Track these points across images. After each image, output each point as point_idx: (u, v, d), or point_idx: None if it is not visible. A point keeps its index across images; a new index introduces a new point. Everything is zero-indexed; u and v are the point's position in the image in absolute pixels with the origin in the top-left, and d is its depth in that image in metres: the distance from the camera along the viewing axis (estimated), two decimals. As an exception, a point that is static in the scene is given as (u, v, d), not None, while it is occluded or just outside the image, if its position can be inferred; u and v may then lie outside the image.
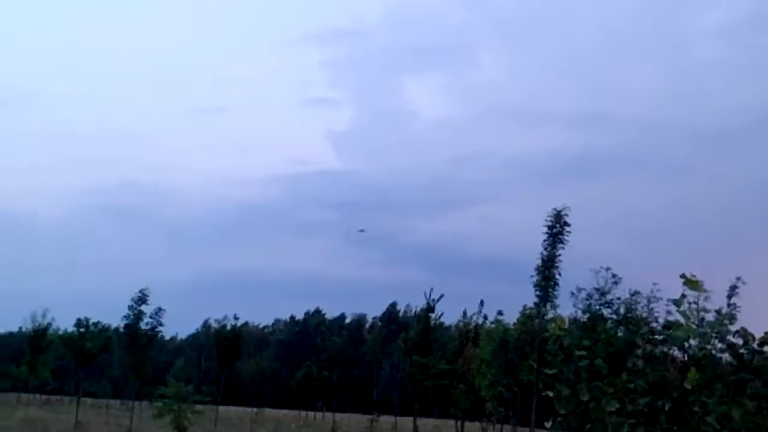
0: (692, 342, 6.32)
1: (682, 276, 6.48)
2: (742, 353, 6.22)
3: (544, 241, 31.32)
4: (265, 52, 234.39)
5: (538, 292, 31.58)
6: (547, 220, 31.32)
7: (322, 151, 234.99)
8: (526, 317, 37.58)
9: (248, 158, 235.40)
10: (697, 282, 6.43)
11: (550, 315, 32.51)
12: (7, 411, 53.84)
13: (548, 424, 6.39)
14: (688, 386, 6.13)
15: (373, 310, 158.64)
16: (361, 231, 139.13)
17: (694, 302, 6.41)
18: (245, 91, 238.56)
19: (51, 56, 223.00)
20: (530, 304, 34.99)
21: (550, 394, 6.35)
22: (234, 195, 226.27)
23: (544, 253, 31.25)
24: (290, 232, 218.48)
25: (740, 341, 6.26)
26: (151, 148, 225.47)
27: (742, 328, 6.22)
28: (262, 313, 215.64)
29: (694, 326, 6.32)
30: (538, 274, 31.23)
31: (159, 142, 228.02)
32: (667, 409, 6.32)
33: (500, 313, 42.81)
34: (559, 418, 6.43)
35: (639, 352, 6.78)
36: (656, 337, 6.68)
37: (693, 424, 6.15)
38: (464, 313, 69.48)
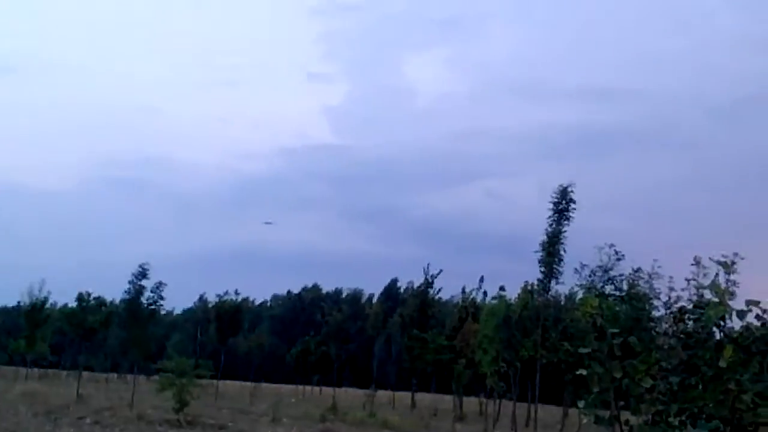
0: (728, 321, 6.30)
1: (709, 259, 6.46)
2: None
3: (549, 217, 31.31)
4: (266, 26, 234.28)
5: (542, 269, 31.60)
6: (552, 197, 31.29)
7: (319, 126, 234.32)
8: (527, 293, 37.66)
9: (253, 132, 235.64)
10: (728, 264, 6.43)
11: (557, 291, 32.66)
12: (6, 385, 53.93)
13: (581, 403, 6.38)
14: (723, 364, 6.12)
15: (371, 286, 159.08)
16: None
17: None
18: (249, 65, 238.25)
19: (60, 24, 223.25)
20: (532, 281, 35.08)
21: (584, 372, 6.34)
22: (234, 168, 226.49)
23: (549, 229, 31.24)
24: (288, 206, 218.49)
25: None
26: (158, 120, 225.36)
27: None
28: (257, 287, 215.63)
29: (729, 305, 6.30)
30: (542, 250, 31.23)
31: (165, 115, 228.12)
32: (700, 387, 6.31)
33: (502, 288, 42.73)
34: (592, 396, 6.42)
35: (670, 330, 6.77)
36: (688, 315, 6.65)
37: (728, 402, 6.14)
38: (463, 289, 69.76)
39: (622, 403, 6.48)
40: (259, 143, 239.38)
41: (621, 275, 31.75)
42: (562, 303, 50.72)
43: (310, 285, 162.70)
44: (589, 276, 31.69)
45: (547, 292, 33.26)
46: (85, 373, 53.71)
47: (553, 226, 31.28)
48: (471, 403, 59.40)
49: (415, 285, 72.41)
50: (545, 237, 31.34)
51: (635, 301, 29.75)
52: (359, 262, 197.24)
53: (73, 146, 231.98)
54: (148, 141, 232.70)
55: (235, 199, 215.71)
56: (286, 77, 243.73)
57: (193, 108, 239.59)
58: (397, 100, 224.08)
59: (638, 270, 32.29)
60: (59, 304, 67.43)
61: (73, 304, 52.04)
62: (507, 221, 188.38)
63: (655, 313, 31.03)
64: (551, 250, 31.11)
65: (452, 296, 76.46)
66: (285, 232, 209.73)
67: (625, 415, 6.52)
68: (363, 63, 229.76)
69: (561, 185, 31.50)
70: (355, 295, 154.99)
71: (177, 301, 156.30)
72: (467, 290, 68.56)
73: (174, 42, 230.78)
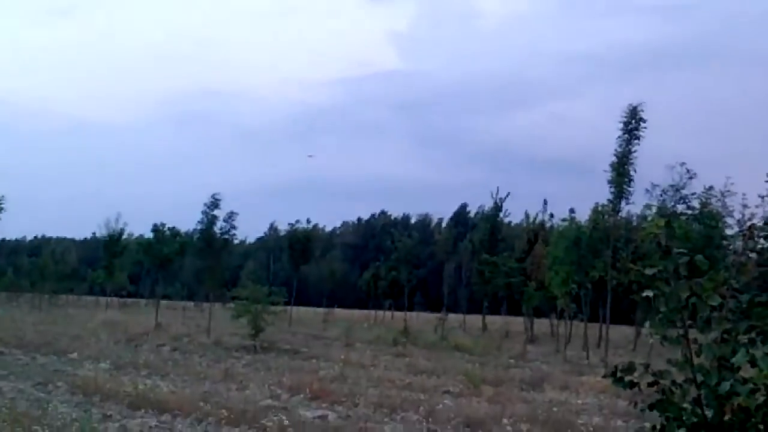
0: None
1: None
2: None
3: (619, 137, 30.64)
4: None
5: (612, 189, 31.07)
6: (622, 116, 30.57)
7: (385, 52, 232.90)
8: (598, 214, 37.31)
9: (315, 62, 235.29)
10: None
11: (628, 212, 32.29)
12: (88, 314, 55.73)
13: (648, 323, 6.37)
14: (793, 282, 6.04)
15: (439, 211, 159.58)
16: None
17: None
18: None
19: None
20: (603, 202, 34.65)
21: (650, 293, 6.31)
22: (302, 98, 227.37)
23: (619, 149, 30.61)
24: (356, 134, 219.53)
25: None
26: (220, 52, 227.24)
27: None
28: (327, 215, 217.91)
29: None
30: (612, 170, 30.66)
31: (227, 46, 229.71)
32: (771, 304, 6.22)
33: (572, 210, 42.36)
34: (660, 316, 6.39)
35: (739, 248, 6.69)
36: (758, 232, 6.56)
37: (798, 319, 6.06)
38: (526, 213, 69.80)
39: (690, 322, 6.47)
40: (321, 73, 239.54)
41: (693, 194, 31.23)
42: (634, 223, 50.26)
43: (378, 212, 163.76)
44: (661, 195, 31.29)
45: (618, 213, 32.82)
46: (162, 302, 55.15)
47: (623, 146, 30.60)
48: (542, 324, 59.59)
49: (484, 209, 72.42)
50: (615, 157, 30.72)
51: (707, 219, 29.33)
52: (427, 188, 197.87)
53: (137, 82, 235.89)
54: (208, 74, 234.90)
55: (299, 128, 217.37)
56: (347, 4, 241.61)
57: (253, 39, 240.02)
58: (464, 23, 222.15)
59: (710, 188, 31.74)
60: (135, 236, 69.03)
61: (148, 235, 53.11)
62: (574, 143, 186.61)
63: (729, 231, 30.59)
64: (621, 171, 30.49)
65: (522, 220, 76.28)
66: (352, 159, 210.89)
67: (693, 333, 6.50)
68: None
69: (630, 104, 30.75)
70: (424, 221, 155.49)
71: (249, 230, 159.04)
72: (531, 214, 68.64)
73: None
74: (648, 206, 32.97)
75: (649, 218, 35.18)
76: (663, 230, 6.88)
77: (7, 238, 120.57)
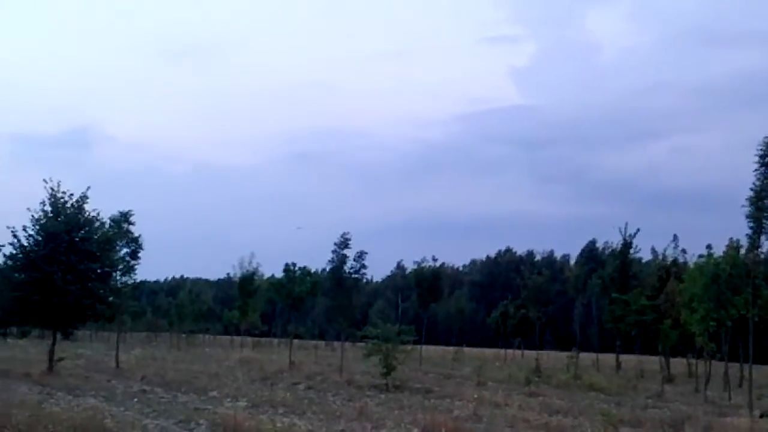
0: None
1: None
2: None
3: (756, 170, 29.42)
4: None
5: (751, 224, 29.88)
6: (758, 149, 29.38)
7: (504, 89, 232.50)
8: (733, 250, 36.11)
9: (431, 100, 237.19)
10: None
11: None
12: (224, 353, 57.29)
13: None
14: None
15: (563, 247, 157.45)
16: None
17: None
18: (426, 33, 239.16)
19: (238, 9, 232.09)
20: (738, 237, 33.51)
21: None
22: (418, 137, 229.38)
23: (757, 183, 29.41)
24: (475, 171, 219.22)
25: None
26: (337, 95, 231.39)
27: None
28: (450, 253, 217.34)
29: None
30: (750, 204, 29.49)
31: (344, 88, 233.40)
32: None
33: (709, 246, 40.95)
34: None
35: None
36: None
37: None
38: (653, 249, 68.44)
39: None
40: (438, 110, 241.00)
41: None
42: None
43: (502, 249, 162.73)
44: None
45: (757, 249, 31.48)
46: (294, 341, 56.02)
47: (761, 179, 29.34)
48: (678, 364, 57.94)
49: (613, 245, 71.19)
50: (752, 191, 29.48)
51: None
52: (550, 224, 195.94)
53: (257, 124, 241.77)
54: (325, 115, 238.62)
55: (418, 166, 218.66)
56: (466, 42, 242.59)
57: (371, 78, 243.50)
58: (583, 57, 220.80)
59: None
60: (267, 275, 70.49)
61: (280, 274, 54.05)
62: (699, 175, 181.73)
63: None
64: (760, 205, 29.30)
65: (651, 257, 74.45)
66: (473, 196, 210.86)
67: None
68: (547, 22, 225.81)
69: (766, 136, 29.49)
70: (550, 257, 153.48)
71: (376, 268, 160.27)
72: (658, 249, 67.33)
73: (347, 15, 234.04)
74: None
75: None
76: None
77: (146, 279, 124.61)
